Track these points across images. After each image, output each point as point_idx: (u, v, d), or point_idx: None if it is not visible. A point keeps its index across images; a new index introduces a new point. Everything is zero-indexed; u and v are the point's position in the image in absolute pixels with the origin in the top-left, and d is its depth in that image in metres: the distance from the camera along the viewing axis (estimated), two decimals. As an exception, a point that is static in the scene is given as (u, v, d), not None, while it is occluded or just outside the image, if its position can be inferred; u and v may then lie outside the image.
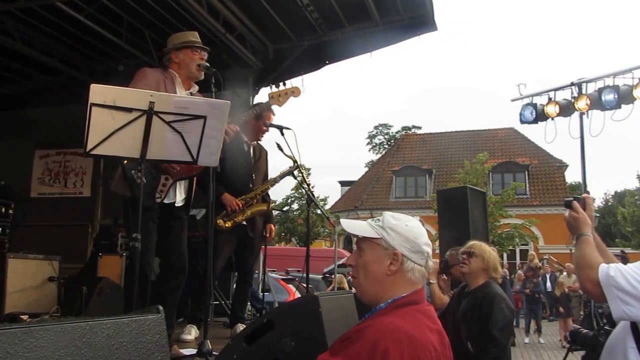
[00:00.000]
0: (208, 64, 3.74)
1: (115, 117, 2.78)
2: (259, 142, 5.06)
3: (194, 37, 3.83)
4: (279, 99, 4.21)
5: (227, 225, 4.65)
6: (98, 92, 2.74)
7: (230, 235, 4.71)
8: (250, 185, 4.83)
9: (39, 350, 1.43)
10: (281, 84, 4.32)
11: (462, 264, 3.67)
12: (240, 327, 4.64)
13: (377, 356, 1.55)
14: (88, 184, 8.87)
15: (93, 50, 7.85)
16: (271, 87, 4.35)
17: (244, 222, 4.78)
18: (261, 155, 5.09)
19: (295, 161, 4.78)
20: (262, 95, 7.90)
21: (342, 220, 1.99)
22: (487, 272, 3.57)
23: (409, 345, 1.59)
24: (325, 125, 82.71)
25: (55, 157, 9.10)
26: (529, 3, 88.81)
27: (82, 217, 8.59)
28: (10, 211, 7.88)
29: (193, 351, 3.56)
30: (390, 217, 1.86)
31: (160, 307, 1.77)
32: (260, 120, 4.77)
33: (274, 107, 4.64)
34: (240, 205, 4.68)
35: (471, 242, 3.73)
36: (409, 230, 1.81)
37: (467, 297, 3.61)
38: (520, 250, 25.94)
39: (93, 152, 2.81)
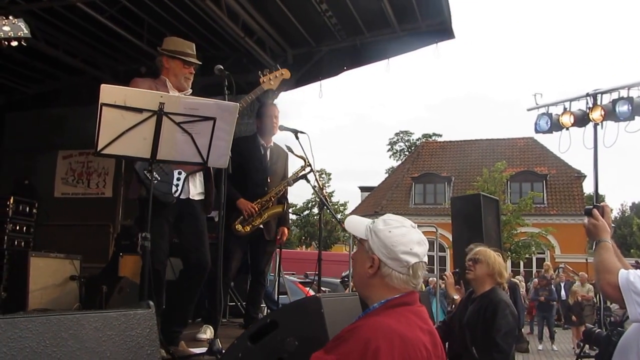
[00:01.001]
0: (221, 67, 3.76)
1: (125, 117, 2.81)
2: (277, 144, 5.08)
3: (190, 49, 3.81)
4: (271, 82, 4.25)
5: (245, 229, 4.66)
6: (108, 92, 2.79)
7: (243, 237, 4.75)
8: (265, 189, 4.84)
9: (23, 341, 1.45)
10: (267, 70, 4.33)
11: (468, 270, 3.66)
12: None
13: (369, 355, 1.58)
14: (110, 184, 8.99)
15: (115, 52, 7.99)
16: (261, 73, 4.35)
17: (261, 226, 4.81)
18: (279, 158, 5.07)
19: (305, 160, 4.78)
20: (281, 98, 7.96)
21: (350, 217, 2.02)
22: (493, 278, 3.55)
23: (400, 345, 1.62)
24: (347, 131, 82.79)
25: (78, 158, 9.23)
26: (549, 14, 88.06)
27: (103, 217, 8.70)
28: (34, 210, 8.04)
29: (203, 350, 3.60)
30: (381, 221, 1.88)
31: (151, 303, 1.80)
32: (265, 117, 4.84)
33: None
34: (257, 209, 4.69)
35: (477, 249, 3.72)
36: (389, 237, 1.81)
37: (473, 302, 3.60)
38: (537, 258, 25.78)
39: (104, 152, 2.85)
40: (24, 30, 3.18)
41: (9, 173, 8.92)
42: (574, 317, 12.99)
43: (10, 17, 3.20)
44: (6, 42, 3.18)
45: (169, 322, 3.67)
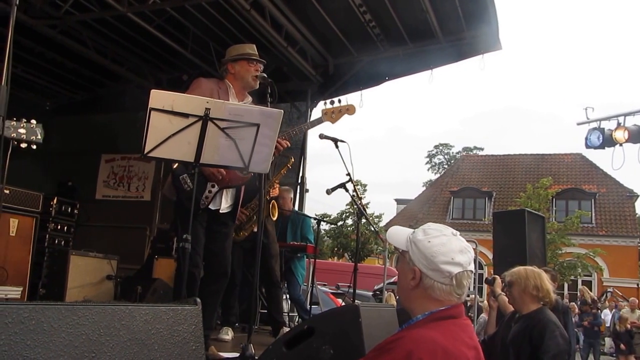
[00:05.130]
0: (265, 74, 3.81)
1: (172, 122, 2.88)
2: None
3: (252, 49, 3.91)
4: (332, 116, 4.17)
5: (241, 235, 4.75)
6: (157, 97, 2.85)
7: (243, 243, 4.80)
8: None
9: (80, 328, 1.51)
10: (336, 100, 4.24)
11: (507, 295, 3.54)
12: (285, 329, 4.71)
13: None
14: (149, 188, 9.18)
15: (160, 60, 8.18)
16: (325, 104, 4.29)
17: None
18: (275, 167, 5.08)
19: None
20: (321, 108, 7.99)
21: (392, 227, 1.97)
22: (532, 295, 3.41)
23: (443, 358, 1.57)
24: (383, 142, 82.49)
25: (120, 162, 9.47)
26: (598, 25, 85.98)
27: (141, 220, 8.90)
28: (76, 211, 8.28)
29: (235, 354, 3.60)
30: (420, 231, 1.82)
31: (198, 300, 1.82)
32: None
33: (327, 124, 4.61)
34: (247, 214, 4.75)
35: (507, 272, 3.59)
36: (429, 248, 1.76)
37: (517, 322, 3.48)
38: (583, 281, 24.63)
39: (150, 155, 2.92)
40: (37, 135, 3.34)
41: (55, 174, 9.20)
42: (622, 346, 12.41)
43: (32, 122, 3.36)
44: (16, 142, 3.32)
45: None
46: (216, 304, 3.97)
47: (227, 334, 4.55)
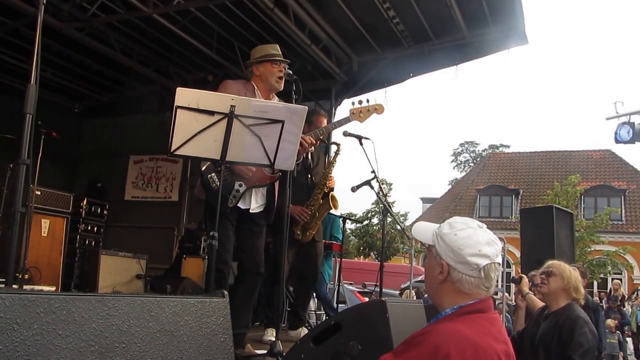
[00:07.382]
0: (290, 71, 3.81)
1: (198, 120, 2.91)
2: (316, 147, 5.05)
3: (275, 50, 3.88)
4: (360, 115, 4.07)
5: (309, 234, 4.70)
6: (183, 95, 2.88)
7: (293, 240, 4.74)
8: (309, 190, 4.82)
9: (110, 318, 1.54)
10: (364, 100, 4.16)
11: (541, 284, 3.47)
12: (304, 330, 4.71)
13: None
14: (176, 189, 9.29)
15: (185, 61, 8.26)
16: (353, 103, 4.22)
17: None
18: (319, 160, 5.08)
19: (338, 145, 4.74)
20: (345, 106, 7.98)
21: (417, 223, 1.96)
22: (568, 293, 3.37)
23: (472, 353, 1.55)
24: (408, 140, 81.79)
25: (148, 163, 9.60)
26: (627, 17, 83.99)
27: (169, 220, 9.03)
28: (105, 212, 8.45)
29: (264, 351, 3.62)
30: (446, 225, 1.81)
31: (225, 292, 1.83)
32: (313, 126, 4.65)
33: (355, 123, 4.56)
34: (309, 212, 4.69)
35: (549, 262, 3.54)
36: (455, 241, 1.74)
37: (546, 319, 3.42)
38: (613, 279, 24.15)
39: (177, 153, 2.95)
40: None
41: (84, 176, 9.38)
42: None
43: None
44: None
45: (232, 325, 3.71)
46: (249, 303, 3.93)
47: (273, 336, 4.51)
